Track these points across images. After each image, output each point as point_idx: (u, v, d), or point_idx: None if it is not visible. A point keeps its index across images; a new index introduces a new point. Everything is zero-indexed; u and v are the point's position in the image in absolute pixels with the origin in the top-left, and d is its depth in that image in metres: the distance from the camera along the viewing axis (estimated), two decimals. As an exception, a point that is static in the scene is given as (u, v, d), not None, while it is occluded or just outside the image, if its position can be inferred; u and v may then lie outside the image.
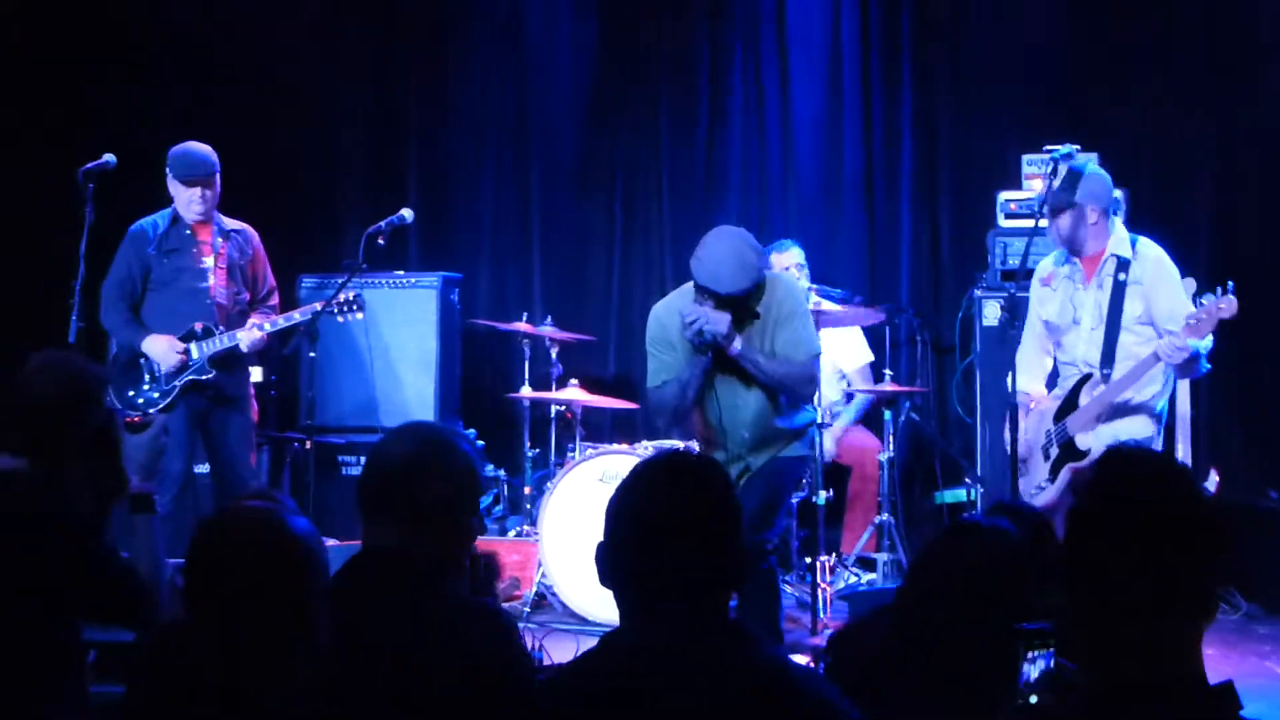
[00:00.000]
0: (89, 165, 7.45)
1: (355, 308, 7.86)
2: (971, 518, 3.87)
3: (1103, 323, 6.84)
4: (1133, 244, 6.90)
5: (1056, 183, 6.88)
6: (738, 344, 6.32)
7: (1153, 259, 6.87)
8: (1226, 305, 6.36)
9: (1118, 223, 7.02)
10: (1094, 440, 6.75)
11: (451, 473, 3.46)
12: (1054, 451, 6.90)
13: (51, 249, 7.90)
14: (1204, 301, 6.44)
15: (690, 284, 6.44)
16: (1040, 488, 6.93)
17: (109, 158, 7.49)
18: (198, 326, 7.63)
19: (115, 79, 10.00)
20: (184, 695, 2.87)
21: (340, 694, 3.17)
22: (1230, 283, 6.40)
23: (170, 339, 7.59)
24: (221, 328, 7.67)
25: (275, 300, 8.07)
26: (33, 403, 4.16)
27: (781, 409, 6.54)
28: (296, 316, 7.80)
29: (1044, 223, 7.08)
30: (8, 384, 4.24)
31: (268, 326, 7.74)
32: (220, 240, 7.78)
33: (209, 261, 7.75)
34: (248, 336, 7.68)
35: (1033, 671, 3.04)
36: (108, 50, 10.08)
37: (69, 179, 7.46)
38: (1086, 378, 6.86)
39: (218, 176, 7.74)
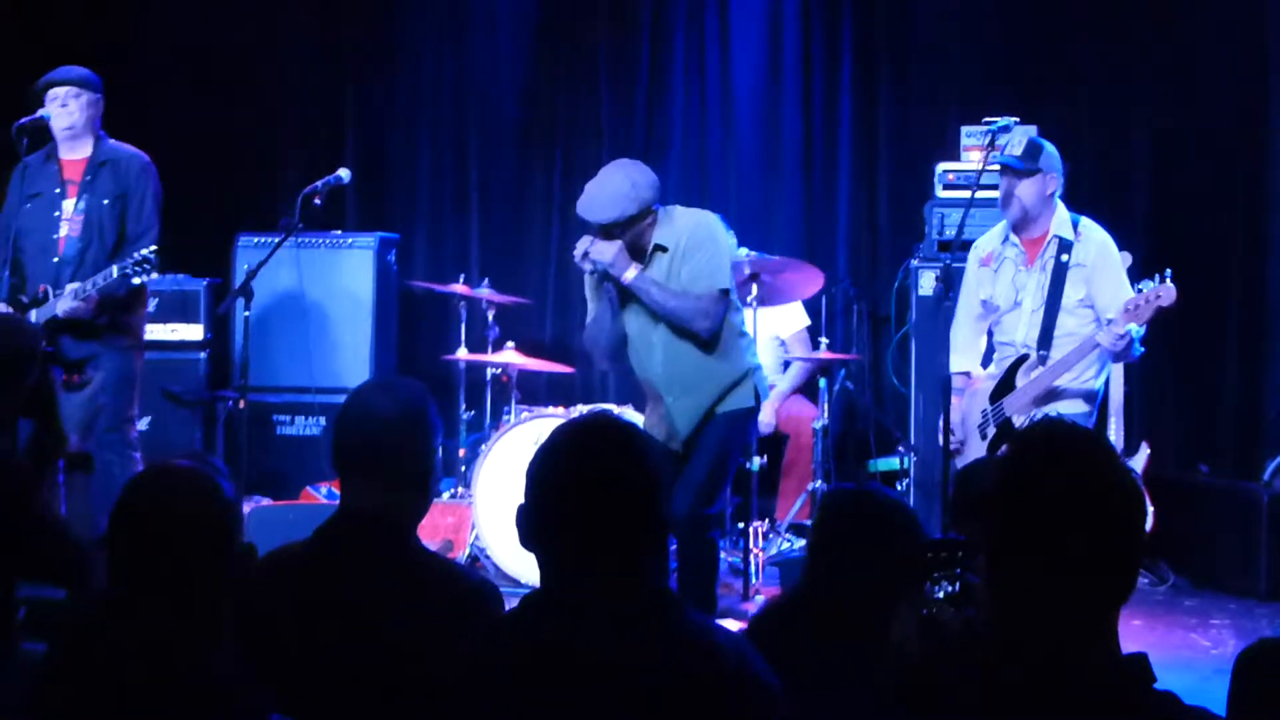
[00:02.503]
0: (23, 120, 7.32)
1: (147, 267, 7.11)
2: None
3: (1043, 305, 6.85)
4: (1074, 224, 6.90)
5: (1020, 149, 6.84)
6: (629, 273, 6.32)
7: (1097, 243, 6.87)
8: (1165, 294, 6.37)
9: (1059, 202, 7.03)
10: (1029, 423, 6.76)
11: (431, 434, 3.51)
12: (990, 432, 6.90)
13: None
14: (1143, 288, 6.47)
15: None
16: (978, 468, 6.95)
17: (44, 113, 7.37)
18: (40, 290, 7.19)
19: (51, 40, 9.86)
20: (107, 657, 2.86)
21: (314, 654, 3.21)
22: (1169, 270, 6.43)
23: (4, 309, 7.10)
24: (58, 291, 7.17)
25: (148, 240, 7.30)
26: None
27: (698, 348, 6.43)
28: (100, 282, 7.09)
29: (985, 193, 7.09)
30: None
31: (81, 293, 7.07)
32: (89, 178, 7.35)
33: (68, 207, 7.32)
34: (64, 305, 7.09)
35: (939, 591, 3.09)
36: (43, 14, 9.97)
37: (4, 135, 7.36)
38: (1023, 359, 6.86)
39: (86, 92, 7.39)
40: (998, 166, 6.92)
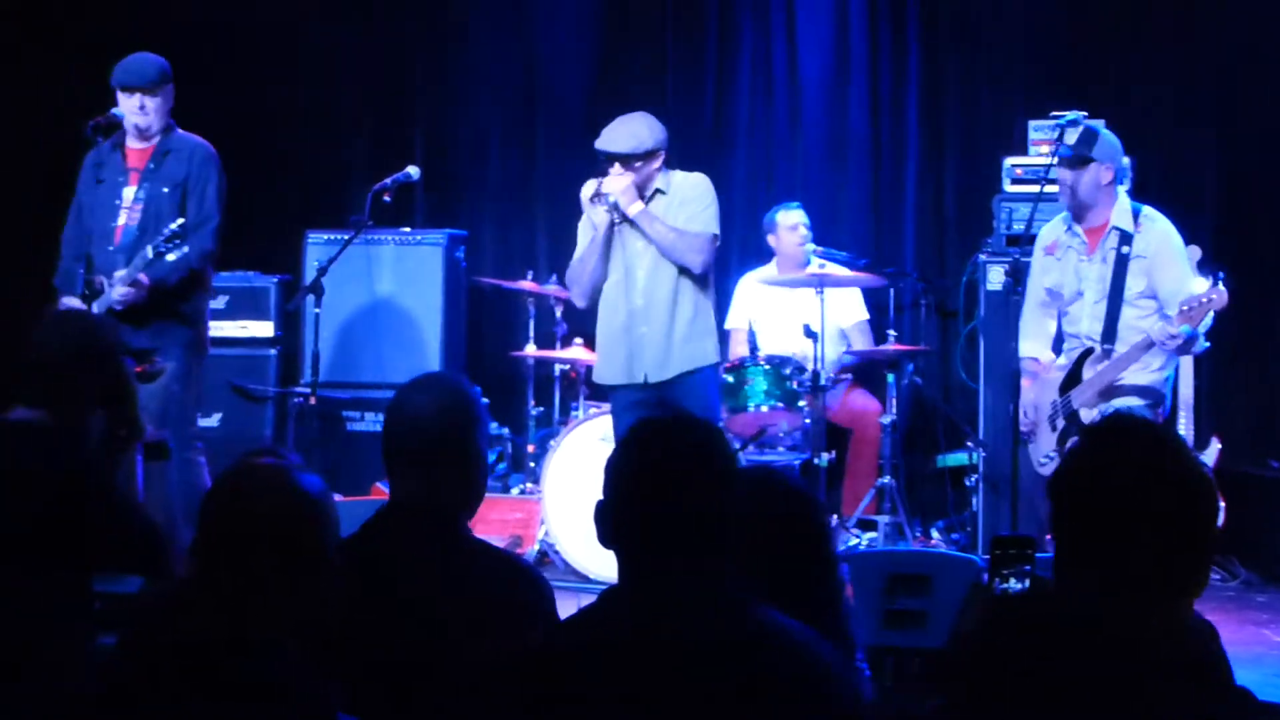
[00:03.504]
0: (98, 120, 7.32)
1: (178, 242, 6.89)
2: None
3: (1105, 297, 6.84)
4: (1135, 214, 6.88)
5: (1073, 139, 6.87)
6: (636, 206, 6.87)
7: (1158, 233, 6.86)
8: (1217, 297, 6.39)
9: (1122, 193, 7.01)
10: (1099, 416, 6.75)
11: (473, 424, 3.55)
12: (1060, 423, 6.92)
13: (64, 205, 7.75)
14: (1194, 290, 6.46)
15: None
16: (1048, 457, 6.95)
17: (117, 112, 7.36)
18: (98, 281, 7.11)
19: (126, 38, 9.91)
20: (181, 650, 2.89)
21: (369, 647, 3.24)
22: (1220, 274, 6.43)
23: (73, 303, 7.05)
24: (112, 281, 7.05)
25: (207, 230, 7.24)
26: (46, 359, 4.26)
27: (683, 281, 6.91)
28: (141, 265, 6.95)
29: (1051, 188, 7.08)
30: (26, 339, 4.34)
31: (129, 279, 6.96)
32: (152, 166, 7.28)
33: (128, 195, 7.25)
34: (117, 292, 6.97)
35: (1009, 588, 3.10)
36: (114, 9, 10.04)
37: (78, 133, 7.39)
38: (1089, 352, 6.87)
39: (167, 88, 7.34)
40: (1055, 159, 6.97)
